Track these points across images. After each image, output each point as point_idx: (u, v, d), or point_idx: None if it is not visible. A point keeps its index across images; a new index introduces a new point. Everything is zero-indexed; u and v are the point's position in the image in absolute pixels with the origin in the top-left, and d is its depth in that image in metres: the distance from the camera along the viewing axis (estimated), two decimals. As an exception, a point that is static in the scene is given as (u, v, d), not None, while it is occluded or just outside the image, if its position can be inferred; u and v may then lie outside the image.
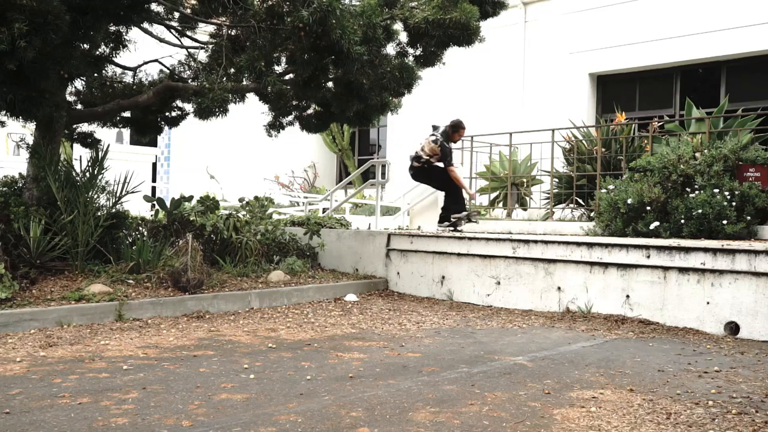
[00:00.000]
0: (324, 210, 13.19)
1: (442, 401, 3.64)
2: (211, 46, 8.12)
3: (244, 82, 7.68)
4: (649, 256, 6.27)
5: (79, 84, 8.29)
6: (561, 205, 10.53)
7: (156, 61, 8.65)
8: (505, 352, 4.97)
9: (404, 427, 3.19)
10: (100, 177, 7.10)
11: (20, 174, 7.52)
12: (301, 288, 7.47)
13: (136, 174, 8.67)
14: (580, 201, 10.46)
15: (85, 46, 6.80)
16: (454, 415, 3.39)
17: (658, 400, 3.73)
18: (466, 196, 8.90)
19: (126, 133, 14.80)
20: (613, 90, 13.27)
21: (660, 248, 6.23)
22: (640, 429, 3.23)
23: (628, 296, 6.41)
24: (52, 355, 4.61)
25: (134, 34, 8.11)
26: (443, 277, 7.86)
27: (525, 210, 11.08)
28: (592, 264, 6.67)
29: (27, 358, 4.51)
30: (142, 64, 8.59)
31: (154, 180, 15.70)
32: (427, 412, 3.43)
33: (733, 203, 7.11)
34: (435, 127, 8.80)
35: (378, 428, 3.17)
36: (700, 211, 7.07)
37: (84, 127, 8.70)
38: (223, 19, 7.73)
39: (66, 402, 3.53)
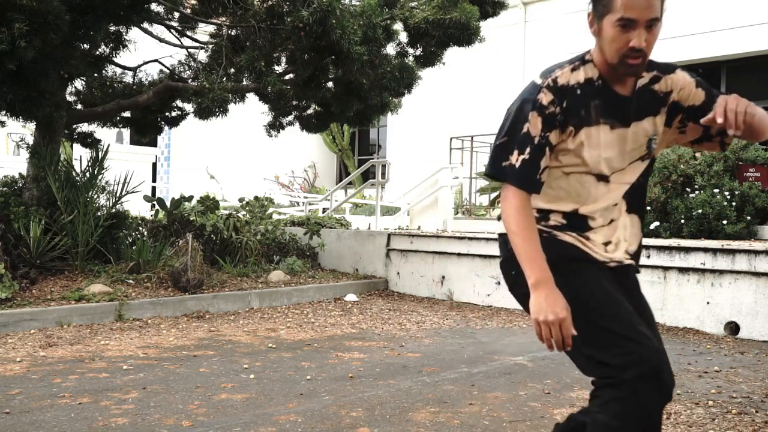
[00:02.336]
0: (324, 210, 13.18)
1: (442, 401, 3.64)
2: (211, 46, 8.12)
3: (244, 82, 7.68)
4: (649, 256, 6.26)
5: (79, 84, 8.29)
6: (561, 205, 10.51)
7: (156, 61, 8.65)
8: (505, 352, 4.97)
9: (404, 427, 3.19)
10: (100, 177, 7.10)
11: (20, 174, 7.52)
12: (301, 288, 7.47)
13: (136, 174, 8.67)
14: (580, 201, 10.46)
15: (85, 46, 6.80)
16: (454, 415, 3.39)
17: (658, 400, 3.72)
18: None
19: (126, 133, 14.80)
20: (613, 90, 13.27)
21: (660, 248, 6.23)
22: (640, 429, 3.23)
23: (628, 296, 6.40)
24: (52, 355, 4.61)
25: (134, 34, 8.11)
26: (443, 277, 7.86)
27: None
28: (592, 264, 6.66)
29: (27, 358, 4.51)
30: (142, 64, 8.59)
31: (154, 180, 15.70)
32: (427, 412, 3.43)
33: (733, 203, 7.11)
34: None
35: (378, 428, 3.17)
36: (700, 211, 7.07)
37: (84, 127, 8.70)
38: (223, 19, 7.73)
39: (66, 402, 3.53)
